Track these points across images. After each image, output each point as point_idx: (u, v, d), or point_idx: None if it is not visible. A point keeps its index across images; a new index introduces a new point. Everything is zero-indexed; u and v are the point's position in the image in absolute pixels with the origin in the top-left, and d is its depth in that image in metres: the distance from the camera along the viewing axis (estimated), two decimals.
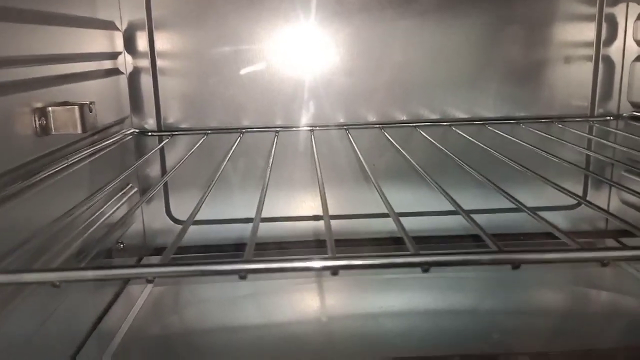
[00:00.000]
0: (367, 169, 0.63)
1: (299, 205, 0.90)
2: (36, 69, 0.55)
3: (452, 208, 0.51)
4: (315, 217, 0.90)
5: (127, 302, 0.76)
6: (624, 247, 0.73)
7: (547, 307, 0.75)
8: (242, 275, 0.37)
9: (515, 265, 0.37)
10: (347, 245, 0.87)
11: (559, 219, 0.91)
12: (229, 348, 0.68)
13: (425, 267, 0.37)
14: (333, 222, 0.45)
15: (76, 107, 0.54)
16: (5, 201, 0.48)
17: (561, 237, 0.43)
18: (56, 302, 0.58)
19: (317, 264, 0.37)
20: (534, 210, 0.49)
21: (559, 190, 0.56)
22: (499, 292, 0.77)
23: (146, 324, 0.73)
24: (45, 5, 0.58)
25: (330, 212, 0.49)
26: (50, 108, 0.53)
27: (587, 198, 0.91)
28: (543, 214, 0.81)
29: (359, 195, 0.88)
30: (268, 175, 0.62)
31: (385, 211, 0.49)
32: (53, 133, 0.54)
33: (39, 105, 0.53)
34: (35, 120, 0.52)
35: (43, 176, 0.54)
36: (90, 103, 0.57)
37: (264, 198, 0.53)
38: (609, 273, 0.82)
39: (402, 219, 0.46)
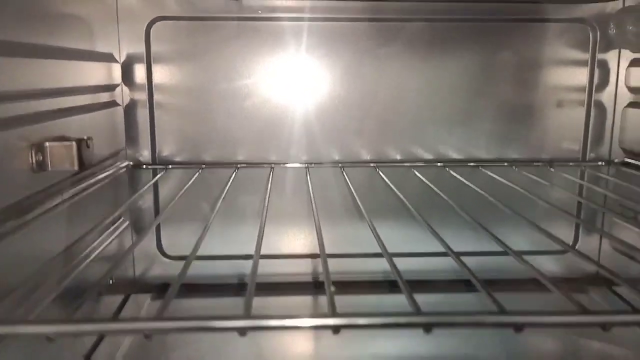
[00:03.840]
0: (362, 209, 0.62)
1: (293, 241, 0.89)
2: (33, 103, 0.54)
3: (444, 250, 0.51)
4: (312, 255, 0.89)
5: (113, 344, 0.74)
6: (628, 311, 0.74)
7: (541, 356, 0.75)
8: (242, 333, 0.36)
9: (519, 328, 0.37)
10: (341, 287, 0.86)
11: (551, 263, 0.91)
12: None
13: (428, 328, 0.37)
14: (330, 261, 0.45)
15: (74, 143, 0.53)
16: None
17: (547, 285, 0.44)
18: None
19: (319, 322, 0.36)
20: (520, 254, 0.50)
21: (549, 237, 0.56)
22: (493, 338, 0.76)
23: None
24: (43, 39, 0.58)
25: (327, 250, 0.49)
26: (47, 144, 0.53)
27: (579, 242, 0.91)
28: (535, 257, 0.82)
29: (354, 233, 0.88)
30: (264, 214, 0.61)
31: (379, 251, 0.49)
32: (49, 169, 0.53)
33: (36, 140, 0.52)
34: (32, 156, 0.51)
35: (37, 214, 0.53)
36: (88, 139, 0.56)
37: (261, 242, 0.53)
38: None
39: (395, 259, 0.46)
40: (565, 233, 0.91)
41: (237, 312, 0.36)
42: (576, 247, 0.91)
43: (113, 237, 0.77)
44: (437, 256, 0.87)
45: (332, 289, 0.41)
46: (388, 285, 0.86)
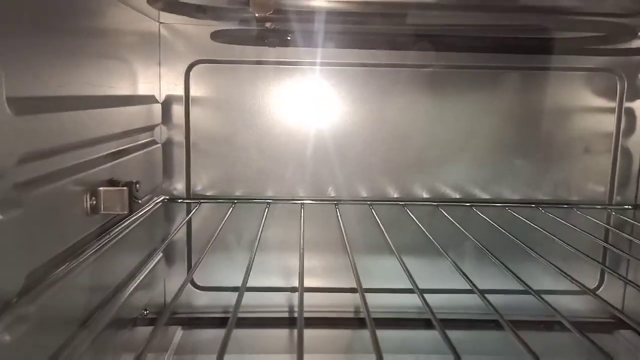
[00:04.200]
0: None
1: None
2: (87, 150, 0.57)
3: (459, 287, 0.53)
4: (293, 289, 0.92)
5: None
6: None
7: None
8: None
9: None
10: (318, 323, 0.88)
11: (579, 302, 0.92)
12: None
13: None
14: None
15: (125, 188, 0.56)
16: (55, 283, 0.49)
17: (568, 326, 0.45)
18: None
19: None
20: (540, 294, 0.51)
21: (571, 281, 0.57)
22: None
23: None
24: (95, 90, 0.61)
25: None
26: (101, 189, 0.55)
27: (604, 283, 0.92)
28: (563, 297, 0.83)
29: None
30: (301, 252, 0.63)
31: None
32: (102, 212, 0.56)
33: (90, 186, 0.55)
34: (86, 201, 0.54)
35: (88, 254, 0.55)
36: (136, 182, 0.59)
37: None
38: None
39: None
40: (592, 273, 0.92)
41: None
42: (601, 288, 0.92)
43: (148, 269, 0.79)
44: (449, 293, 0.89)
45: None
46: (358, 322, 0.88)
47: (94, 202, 0.55)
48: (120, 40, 0.69)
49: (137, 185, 0.59)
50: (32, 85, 0.45)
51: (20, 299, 0.44)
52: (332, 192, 0.90)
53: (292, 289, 0.91)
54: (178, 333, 0.87)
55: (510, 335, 0.44)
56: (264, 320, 0.89)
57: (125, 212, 0.56)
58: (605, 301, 0.55)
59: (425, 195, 0.90)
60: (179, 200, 0.87)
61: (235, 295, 0.87)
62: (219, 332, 0.86)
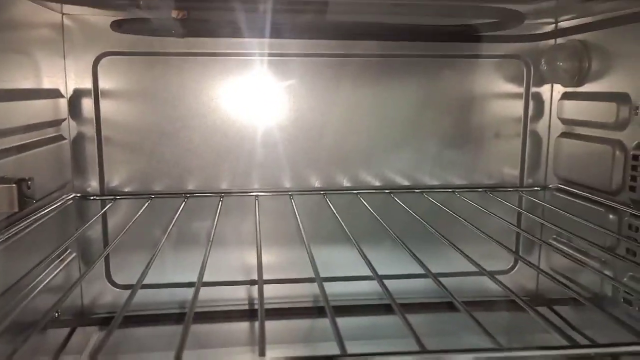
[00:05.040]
0: (304, 237, 0.65)
1: (239, 268, 0.91)
2: None
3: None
4: (252, 282, 0.91)
5: None
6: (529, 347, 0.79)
7: None
8: None
9: None
10: (278, 314, 0.88)
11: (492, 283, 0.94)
12: None
13: None
14: (270, 286, 0.46)
15: (14, 186, 0.54)
16: None
17: (460, 308, 0.47)
18: None
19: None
20: (464, 275, 0.53)
21: (474, 265, 0.60)
22: None
23: None
24: None
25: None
26: None
27: (519, 263, 0.96)
28: (477, 278, 0.85)
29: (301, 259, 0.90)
30: (209, 246, 0.62)
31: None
32: None
33: None
34: None
35: None
36: (29, 179, 0.57)
37: (204, 270, 0.54)
38: None
39: (332, 283, 0.49)
40: (508, 254, 0.95)
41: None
42: (516, 268, 0.96)
43: (59, 269, 0.77)
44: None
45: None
46: (317, 310, 0.89)
47: None
48: (19, 34, 0.66)
49: (29, 183, 0.56)
50: None
51: None
52: (254, 185, 0.89)
53: (249, 282, 0.90)
54: (95, 334, 0.84)
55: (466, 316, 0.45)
56: (218, 314, 0.88)
57: (15, 210, 0.54)
58: (501, 283, 0.57)
59: (345, 182, 0.91)
60: (92, 197, 0.84)
61: (154, 292, 0.88)
62: (146, 330, 0.86)
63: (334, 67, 0.87)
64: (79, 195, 0.83)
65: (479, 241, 0.69)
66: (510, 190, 0.92)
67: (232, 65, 0.85)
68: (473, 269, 0.84)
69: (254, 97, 0.86)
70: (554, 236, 0.91)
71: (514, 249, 0.95)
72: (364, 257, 0.59)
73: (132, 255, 0.87)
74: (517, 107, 0.91)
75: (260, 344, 0.40)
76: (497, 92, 0.91)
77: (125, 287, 0.89)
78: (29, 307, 0.65)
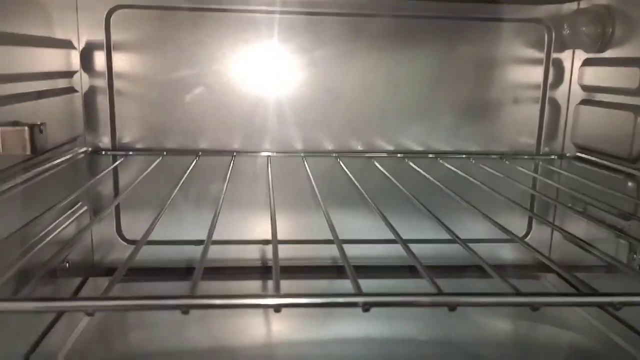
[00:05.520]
0: (319, 198, 0.64)
1: (251, 229, 0.90)
2: None
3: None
4: (266, 242, 0.91)
5: (70, 324, 0.74)
6: (553, 293, 0.78)
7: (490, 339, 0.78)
8: (185, 310, 0.37)
9: (452, 308, 0.39)
10: (294, 271, 0.88)
11: (506, 250, 0.94)
12: None
13: (366, 307, 0.38)
14: (284, 247, 0.46)
15: (26, 128, 0.53)
16: None
17: (488, 270, 0.46)
18: None
19: (261, 301, 0.38)
20: (466, 242, 0.52)
21: (500, 229, 0.58)
22: (441, 320, 0.78)
23: (89, 347, 0.72)
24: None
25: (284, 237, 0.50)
26: None
27: (532, 230, 0.95)
28: (491, 245, 0.85)
29: (313, 221, 0.89)
30: (221, 201, 0.62)
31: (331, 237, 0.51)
32: (1, 153, 0.53)
33: None
34: None
35: None
36: (41, 124, 0.56)
37: (215, 226, 0.54)
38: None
39: (347, 246, 0.48)
40: (521, 222, 0.94)
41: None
42: (529, 236, 0.95)
43: (70, 221, 0.77)
44: (389, 243, 0.89)
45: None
46: (336, 269, 0.89)
47: None
48: None
49: (42, 127, 0.56)
50: None
51: None
52: (265, 145, 0.88)
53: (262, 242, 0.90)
54: (105, 285, 0.85)
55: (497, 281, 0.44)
56: (228, 270, 0.88)
57: (28, 153, 0.54)
58: (531, 247, 0.56)
59: (359, 147, 0.90)
60: (104, 152, 0.84)
61: (166, 248, 0.88)
62: (141, 285, 0.86)
63: (352, 27, 0.85)
64: (90, 149, 0.83)
65: (493, 210, 0.67)
66: (526, 158, 0.91)
67: (247, 23, 0.84)
68: (486, 236, 0.85)
69: (269, 57, 0.85)
70: (569, 205, 0.90)
71: (528, 217, 0.94)
72: (384, 219, 0.57)
73: (142, 212, 0.86)
74: (536, 74, 0.89)
75: (275, 282, 0.40)
76: (517, 57, 0.89)
77: (135, 242, 0.89)
78: (41, 257, 0.66)
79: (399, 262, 0.88)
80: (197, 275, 0.41)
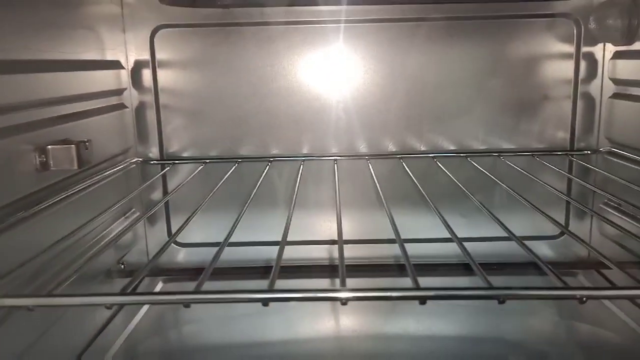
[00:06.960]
0: (383, 198, 0.68)
1: (316, 230, 0.96)
2: (40, 111, 0.62)
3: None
4: (333, 242, 0.96)
5: (127, 316, 0.82)
6: (600, 287, 0.79)
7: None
8: (265, 303, 0.42)
9: (501, 300, 0.42)
10: (358, 270, 0.93)
11: (543, 248, 0.94)
12: None
13: (422, 300, 0.42)
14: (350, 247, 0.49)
15: (73, 146, 0.61)
16: (7, 230, 0.55)
17: (544, 269, 0.49)
18: (53, 318, 0.64)
19: (331, 295, 0.43)
20: (522, 241, 0.55)
21: (548, 219, 0.62)
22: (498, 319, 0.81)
23: (144, 339, 0.79)
24: (55, 54, 0.66)
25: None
26: (49, 147, 0.60)
27: (569, 228, 0.94)
28: (528, 243, 0.86)
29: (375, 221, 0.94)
30: (292, 205, 0.67)
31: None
32: (52, 169, 0.61)
33: (41, 144, 0.60)
34: (35, 158, 0.59)
35: (44, 206, 0.61)
36: (87, 141, 0.63)
37: (289, 227, 0.60)
38: (590, 307, 0.85)
39: (407, 245, 0.52)
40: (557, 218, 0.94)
41: None
42: (564, 235, 0.94)
43: (124, 226, 0.85)
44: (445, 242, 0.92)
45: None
46: (397, 267, 0.93)
47: (43, 159, 0.60)
48: (84, 10, 0.74)
49: (88, 144, 0.63)
50: None
51: None
52: (303, 150, 0.93)
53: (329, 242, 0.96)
54: (159, 285, 0.93)
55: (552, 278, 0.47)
56: (297, 269, 0.94)
57: (75, 168, 0.61)
58: (577, 237, 0.60)
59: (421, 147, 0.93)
60: (152, 162, 0.92)
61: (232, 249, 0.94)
62: (215, 284, 0.92)
63: (406, 32, 0.89)
64: (141, 160, 0.91)
65: (525, 208, 0.68)
66: (559, 154, 0.91)
67: (283, 33, 0.89)
68: (518, 234, 0.86)
69: (321, 66, 0.90)
70: (605, 201, 0.89)
71: (564, 213, 0.94)
72: (443, 221, 0.60)
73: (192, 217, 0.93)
74: (567, 68, 0.89)
75: (342, 278, 0.44)
76: (547, 52, 0.89)
77: (186, 245, 0.96)
78: (98, 261, 0.73)
79: (454, 260, 0.92)
80: (275, 273, 0.46)
